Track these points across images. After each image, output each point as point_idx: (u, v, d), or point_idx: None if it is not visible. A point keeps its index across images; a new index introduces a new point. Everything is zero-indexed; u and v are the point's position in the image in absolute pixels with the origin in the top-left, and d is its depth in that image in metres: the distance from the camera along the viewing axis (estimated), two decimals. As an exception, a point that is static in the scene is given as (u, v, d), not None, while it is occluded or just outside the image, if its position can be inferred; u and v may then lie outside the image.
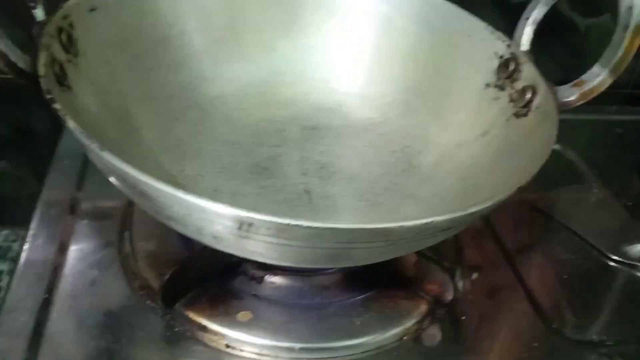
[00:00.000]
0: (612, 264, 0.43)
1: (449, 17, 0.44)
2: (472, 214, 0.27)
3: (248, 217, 0.24)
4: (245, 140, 0.43)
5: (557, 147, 0.54)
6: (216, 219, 0.25)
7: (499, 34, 0.41)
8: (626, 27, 0.34)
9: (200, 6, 0.44)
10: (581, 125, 0.58)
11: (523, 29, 0.40)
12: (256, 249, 0.27)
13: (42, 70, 0.30)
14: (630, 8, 0.34)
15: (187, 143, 0.41)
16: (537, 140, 0.34)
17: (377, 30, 0.46)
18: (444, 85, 0.44)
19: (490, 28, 0.42)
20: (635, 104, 0.64)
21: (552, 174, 0.51)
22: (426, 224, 0.26)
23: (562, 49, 0.60)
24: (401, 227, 0.26)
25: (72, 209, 0.41)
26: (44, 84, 0.29)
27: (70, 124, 0.27)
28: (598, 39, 0.62)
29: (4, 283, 0.57)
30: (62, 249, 0.38)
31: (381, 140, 0.45)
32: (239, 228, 0.25)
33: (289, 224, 0.24)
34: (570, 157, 0.54)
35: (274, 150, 0.44)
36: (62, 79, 0.32)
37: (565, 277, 0.42)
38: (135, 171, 0.25)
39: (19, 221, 0.62)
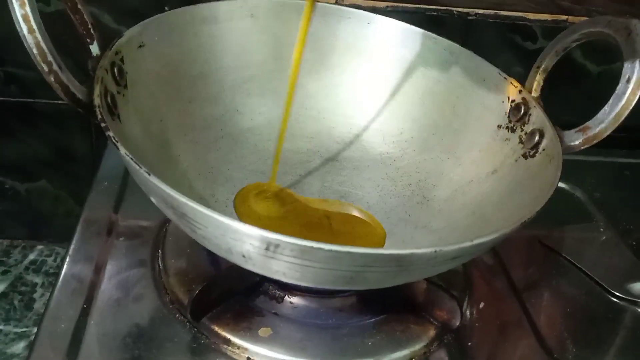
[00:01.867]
0: (615, 300, 0.45)
1: (466, 62, 0.47)
2: (477, 245, 0.30)
3: (275, 239, 0.27)
4: (270, 169, 0.47)
5: (566, 187, 0.57)
6: (247, 240, 0.28)
7: (511, 79, 0.44)
8: (629, 79, 0.36)
9: (236, 45, 0.48)
10: (591, 167, 0.61)
11: (535, 76, 0.43)
12: (280, 268, 0.30)
13: (97, 100, 0.33)
14: (633, 62, 0.37)
15: (219, 170, 0.45)
16: (543, 180, 0.37)
17: (398, 72, 0.50)
18: (459, 125, 0.47)
19: (503, 74, 0.45)
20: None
21: (562, 213, 0.54)
22: (435, 252, 0.29)
23: (576, 94, 0.63)
24: (412, 254, 0.28)
25: (110, 228, 0.44)
26: (99, 113, 0.32)
27: (122, 150, 0.30)
28: (610, 85, 0.65)
29: (37, 295, 0.60)
30: (99, 266, 0.41)
31: (398, 173, 0.48)
32: (267, 249, 0.28)
33: (312, 247, 0.27)
34: (579, 197, 0.56)
35: (297, 179, 0.47)
36: (112, 109, 0.36)
37: (569, 310, 0.44)
38: (178, 194, 0.28)
39: (54, 238, 0.66)
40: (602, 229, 0.52)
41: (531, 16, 0.58)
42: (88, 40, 0.38)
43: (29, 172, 0.62)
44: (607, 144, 0.61)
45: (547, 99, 0.62)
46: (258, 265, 0.31)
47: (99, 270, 0.41)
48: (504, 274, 0.46)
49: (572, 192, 0.56)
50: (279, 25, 0.49)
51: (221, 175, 0.44)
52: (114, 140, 0.31)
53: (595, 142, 0.38)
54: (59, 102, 0.35)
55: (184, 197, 0.28)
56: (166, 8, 0.53)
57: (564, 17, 0.58)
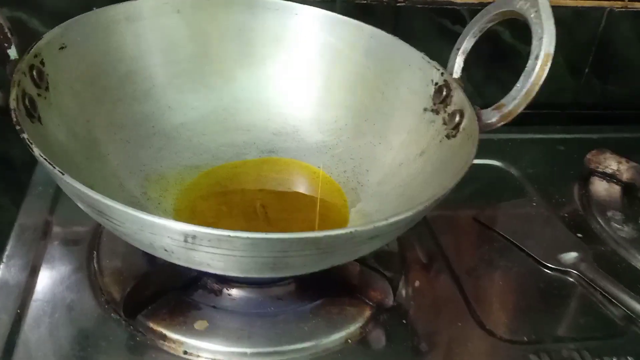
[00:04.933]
0: (547, 271, 0.47)
1: (391, 48, 0.48)
2: (392, 223, 0.31)
3: (191, 230, 0.28)
4: (206, 164, 0.47)
5: (502, 165, 0.59)
6: (165, 233, 0.29)
7: (434, 63, 0.45)
8: (537, 56, 0.38)
9: (163, 41, 0.48)
10: (525, 144, 0.63)
11: (455, 58, 0.45)
12: (203, 259, 0.31)
13: (12, 103, 0.33)
14: (540, 39, 0.38)
15: (151, 167, 0.45)
16: (463, 158, 0.38)
17: (328, 61, 0.50)
18: (388, 110, 0.48)
19: (426, 58, 0.46)
20: (577, 123, 0.68)
21: (496, 191, 0.56)
22: (351, 233, 0.30)
23: (507, 74, 0.65)
24: (327, 236, 0.29)
25: (45, 232, 0.44)
26: (14, 116, 0.32)
27: (36, 151, 0.30)
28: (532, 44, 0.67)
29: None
30: (34, 271, 0.41)
31: (333, 161, 0.49)
32: (185, 240, 0.29)
33: (228, 235, 0.28)
34: (514, 174, 0.58)
35: (233, 171, 0.47)
36: (32, 112, 0.35)
37: (501, 284, 0.46)
38: (90, 191, 0.29)
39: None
40: (535, 204, 0.54)
41: (458, 0, 0.59)
42: (5, 44, 0.37)
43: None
44: (541, 120, 0.64)
45: (482, 82, 0.65)
46: (182, 258, 0.31)
47: (33, 274, 0.40)
48: (439, 252, 0.47)
49: (507, 170, 0.58)
50: (205, 19, 0.49)
51: (154, 173, 0.44)
52: (28, 142, 0.31)
53: (510, 118, 0.39)
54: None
55: (98, 195, 0.29)
56: (94, 8, 0.52)
57: (491, -1, 0.59)
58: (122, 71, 0.45)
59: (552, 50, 0.38)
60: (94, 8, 0.52)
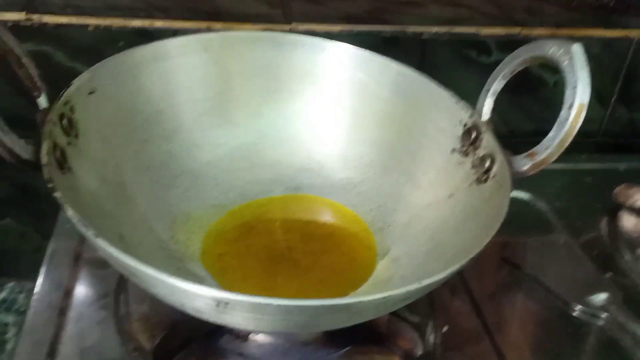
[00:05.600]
0: (574, 313, 0.46)
1: (419, 86, 0.47)
2: (426, 286, 0.30)
3: (224, 297, 0.28)
4: (232, 203, 0.47)
5: (528, 198, 0.58)
6: (196, 298, 0.29)
7: (462, 103, 0.45)
8: (571, 105, 0.37)
9: (190, 80, 0.48)
10: (551, 175, 0.61)
11: (484, 100, 0.44)
12: (234, 320, 0.31)
13: (44, 159, 0.33)
14: (574, 88, 0.37)
15: (178, 208, 0.45)
16: (494, 206, 0.38)
17: (355, 96, 0.50)
18: (416, 148, 0.48)
19: (455, 97, 0.45)
20: (604, 152, 0.67)
21: (524, 226, 0.55)
22: (384, 298, 0.29)
23: (534, 103, 0.64)
24: (360, 302, 0.29)
25: (69, 287, 0.44)
26: (46, 173, 0.32)
27: (69, 212, 0.30)
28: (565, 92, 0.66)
29: (9, 335, 0.60)
30: (63, 312, 0.41)
31: (359, 199, 0.49)
32: (217, 305, 0.29)
33: (260, 303, 0.28)
34: (540, 207, 0.57)
35: (258, 210, 0.47)
36: (62, 163, 0.35)
37: (530, 328, 0.45)
38: (124, 255, 0.28)
39: (24, 274, 0.66)
40: (563, 241, 0.53)
41: (484, 31, 0.58)
42: (35, 93, 0.37)
43: (-8, 211, 0.62)
44: (567, 149, 0.63)
45: (508, 109, 0.64)
46: (213, 317, 0.31)
47: (61, 323, 0.40)
48: (467, 294, 0.47)
49: (534, 204, 0.57)
50: (233, 56, 0.49)
51: (181, 214, 0.44)
52: (61, 202, 0.31)
53: (542, 167, 0.39)
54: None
55: (131, 258, 0.29)
56: (120, 43, 0.53)
57: (517, 29, 0.59)
58: (150, 111, 0.46)
59: (586, 100, 0.37)
60: (121, 43, 0.53)
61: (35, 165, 0.33)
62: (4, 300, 0.64)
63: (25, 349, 0.38)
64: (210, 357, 0.38)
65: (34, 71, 0.37)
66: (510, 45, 0.59)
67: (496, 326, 0.44)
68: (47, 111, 0.37)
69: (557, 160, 0.63)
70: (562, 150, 0.38)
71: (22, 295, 0.64)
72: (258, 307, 0.28)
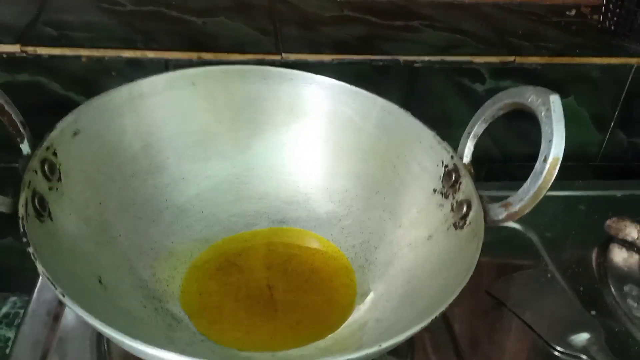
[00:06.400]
0: (557, 354, 0.46)
1: (403, 122, 0.47)
2: (386, 348, 0.31)
3: (182, 363, 0.29)
4: (216, 237, 0.48)
5: (519, 227, 0.58)
6: None
7: (444, 144, 0.45)
8: (545, 158, 0.37)
9: (177, 113, 0.48)
10: (545, 202, 0.61)
11: (466, 142, 0.44)
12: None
13: (21, 211, 0.34)
14: (549, 141, 0.37)
15: (162, 244, 0.46)
16: (466, 257, 0.38)
17: (340, 130, 0.50)
18: (399, 184, 0.48)
19: (437, 138, 0.45)
20: (602, 177, 0.67)
21: (511, 256, 0.55)
22: (343, 361, 0.30)
23: (526, 123, 0.63)
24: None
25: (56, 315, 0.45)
26: (21, 226, 0.33)
27: (40, 269, 0.31)
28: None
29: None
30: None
31: (343, 234, 0.49)
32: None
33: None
34: (530, 237, 0.57)
35: (242, 245, 0.48)
36: (41, 211, 0.36)
37: (510, 369, 0.45)
38: (91, 318, 0.29)
39: (26, 290, 0.68)
40: (549, 275, 0.53)
41: (478, 59, 0.58)
42: (18, 139, 0.38)
43: (-6, 230, 0.64)
44: (564, 174, 0.62)
45: (503, 133, 0.64)
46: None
47: (45, 356, 0.42)
48: (446, 331, 0.47)
49: (524, 233, 0.57)
50: (219, 90, 0.49)
51: (164, 250, 0.45)
52: (33, 257, 0.32)
53: (517, 218, 0.39)
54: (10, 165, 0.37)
55: (103, 324, 0.29)
56: (113, 73, 0.54)
57: (511, 58, 0.58)
58: (136, 147, 0.46)
59: (561, 154, 0.37)
60: (113, 73, 0.54)
61: (13, 216, 0.34)
62: (6, 315, 0.66)
63: None
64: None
65: (17, 117, 0.38)
66: (504, 73, 0.59)
67: (475, 367, 0.44)
68: (29, 158, 0.38)
69: (552, 187, 0.63)
70: (535, 202, 0.38)
71: (23, 311, 0.65)
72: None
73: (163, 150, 0.48)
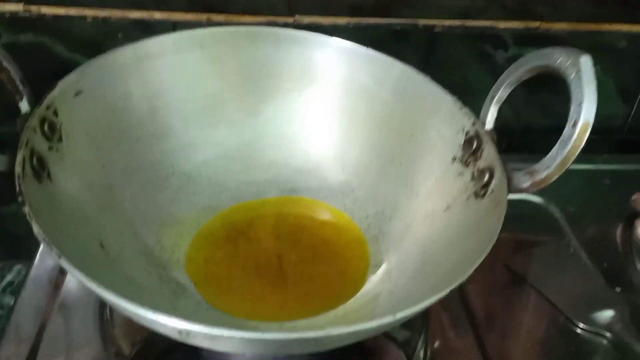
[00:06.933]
0: (579, 331, 0.44)
1: (422, 88, 0.45)
2: (400, 319, 0.29)
3: (184, 329, 0.27)
4: (224, 205, 0.46)
5: (541, 201, 0.55)
6: (160, 327, 0.28)
7: (466, 110, 0.42)
8: (575, 123, 0.35)
9: (185, 77, 0.46)
10: (569, 176, 0.58)
11: (489, 107, 0.41)
12: (203, 344, 0.30)
13: (18, 169, 0.32)
14: (579, 105, 0.35)
15: (168, 211, 0.44)
16: (487, 227, 0.36)
17: (354, 96, 0.48)
18: (416, 153, 0.45)
19: (459, 104, 0.43)
20: (627, 151, 0.64)
21: (532, 231, 0.53)
22: (354, 332, 0.28)
23: (547, 95, 0.61)
24: (327, 336, 0.28)
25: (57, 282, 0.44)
26: (17, 184, 0.32)
27: (35, 229, 0.30)
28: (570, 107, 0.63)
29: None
30: (44, 320, 0.41)
31: (356, 204, 0.47)
32: (179, 333, 0.28)
33: (222, 335, 0.27)
34: (552, 212, 0.54)
35: (250, 214, 0.46)
36: (40, 171, 0.35)
37: (528, 345, 0.43)
38: (85, 277, 0.28)
39: (32, 257, 0.67)
40: (572, 250, 0.51)
41: (501, 24, 0.55)
42: (17, 97, 0.37)
43: (-1, 196, 0.62)
44: (590, 147, 0.60)
45: (523, 103, 0.61)
46: (182, 340, 0.30)
47: (44, 324, 0.40)
48: (463, 305, 0.45)
49: (546, 207, 0.55)
50: (229, 53, 0.47)
51: (170, 217, 0.44)
52: (28, 216, 0.30)
53: (542, 186, 0.36)
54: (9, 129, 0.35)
55: (91, 281, 0.28)
56: (119, 35, 0.52)
57: (536, 23, 0.55)
58: (142, 110, 0.44)
59: (591, 119, 0.34)
60: (119, 35, 0.51)
61: (9, 175, 0.33)
62: (11, 283, 0.65)
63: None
64: (190, 368, 0.38)
65: (16, 74, 0.37)
66: (528, 39, 0.56)
67: (492, 343, 0.42)
68: (27, 116, 0.36)
69: (575, 160, 0.60)
70: (563, 170, 0.35)
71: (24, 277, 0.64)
72: (220, 338, 0.27)
73: (170, 114, 0.46)
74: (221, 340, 0.28)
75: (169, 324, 0.27)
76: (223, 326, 0.26)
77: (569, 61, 0.35)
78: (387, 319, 0.28)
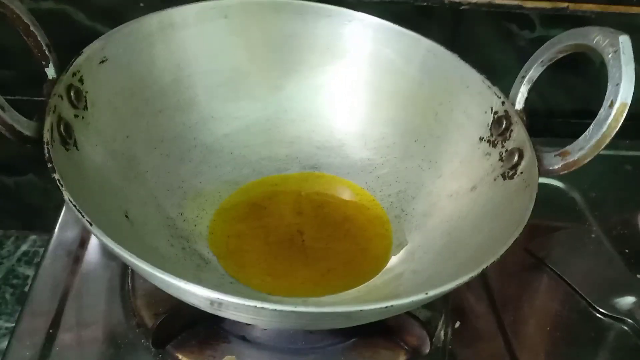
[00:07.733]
0: (599, 316, 0.44)
1: (449, 66, 0.44)
2: (431, 296, 0.29)
3: (217, 299, 0.27)
4: (245, 179, 0.46)
5: (562, 185, 0.55)
6: (190, 296, 0.28)
7: (495, 88, 0.42)
8: (612, 103, 0.34)
9: (209, 48, 0.46)
10: (589, 161, 0.58)
11: (519, 87, 0.41)
12: (231, 316, 0.30)
13: (46, 135, 0.32)
14: (617, 85, 0.34)
15: (190, 184, 0.43)
16: (517, 208, 0.35)
17: (380, 73, 0.47)
18: (441, 132, 0.45)
19: (487, 82, 0.42)
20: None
21: (553, 214, 0.52)
22: (386, 308, 0.28)
23: (573, 78, 0.60)
24: (360, 311, 0.27)
25: (77, 256, 0.44)
26: (46, 151, 0.31)
27: (67, 197, 0.29)
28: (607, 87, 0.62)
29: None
30: (65, 292, 0.41)
31: (378, 182, 0.47)
32: (211, 304, 0.28)
33: (255, 307, 0.26)
34: (574, 197, 0.54)
35: (272, 189, 0.46)
36: (67, 138, 0.34)
37: (548, 329, 0.43)
38: (121, 249, 0.27)
39: (47, 229, 0.67)
40: (594, 235, 0.50)
41: (528, 4, 0.54)
42: (43, 62, 0.36)
43: (16, 167, 0.62)
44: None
45: (547, 85, 0.60)
46: (209, 311, 0.30)
47: (65, 296, 0.40)
48: (484, 288, 0.44)
49: (567, 192, 0.54)
50: (253, 25, 0.46)
51: (192, 189, 0.43)
52: (59, 184, 0.30)
53: (574, 168, 0.36)
54: (40, 98, 0.35)
55: (127, 252, 0.27)
56: (141, 4, 0.51)
57: (564, 4, 0.54)
58: (166, 81, 0.44)
59: (629, 99, 0.34)
60: (142, 4, 0.51)
61: (37, 142, 0.32)
62: (26, 253, 0.66)
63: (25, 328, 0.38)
64: (212, 340, 0.38)
65: (43, 39, 0.36)
66: (556, 20, 0.55)
67: (512, 325, 0.42)
68: (54, 82, 0.36)
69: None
70: (597, 152, 0.35)
71: (43, 249, 0.65)
72: (252, 309, 0.27)
73: (193, 86, 0.45)
74: (252, 312, 0.27)
75: (201, 293, 0.27)
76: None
77: (607, 40, 0.35)
78: (419, 296, 0.28)
